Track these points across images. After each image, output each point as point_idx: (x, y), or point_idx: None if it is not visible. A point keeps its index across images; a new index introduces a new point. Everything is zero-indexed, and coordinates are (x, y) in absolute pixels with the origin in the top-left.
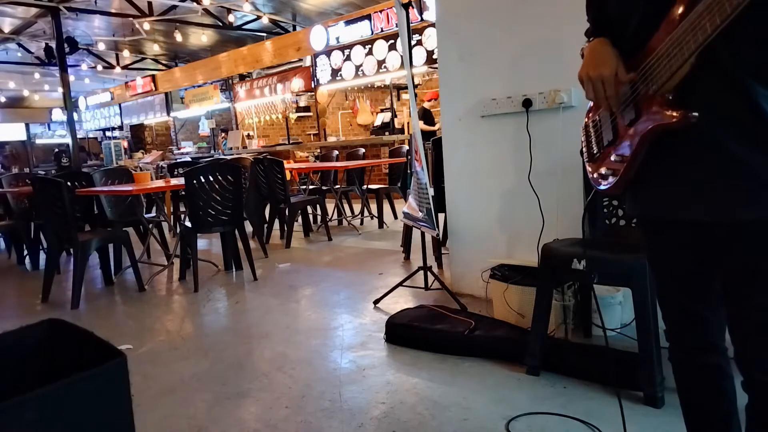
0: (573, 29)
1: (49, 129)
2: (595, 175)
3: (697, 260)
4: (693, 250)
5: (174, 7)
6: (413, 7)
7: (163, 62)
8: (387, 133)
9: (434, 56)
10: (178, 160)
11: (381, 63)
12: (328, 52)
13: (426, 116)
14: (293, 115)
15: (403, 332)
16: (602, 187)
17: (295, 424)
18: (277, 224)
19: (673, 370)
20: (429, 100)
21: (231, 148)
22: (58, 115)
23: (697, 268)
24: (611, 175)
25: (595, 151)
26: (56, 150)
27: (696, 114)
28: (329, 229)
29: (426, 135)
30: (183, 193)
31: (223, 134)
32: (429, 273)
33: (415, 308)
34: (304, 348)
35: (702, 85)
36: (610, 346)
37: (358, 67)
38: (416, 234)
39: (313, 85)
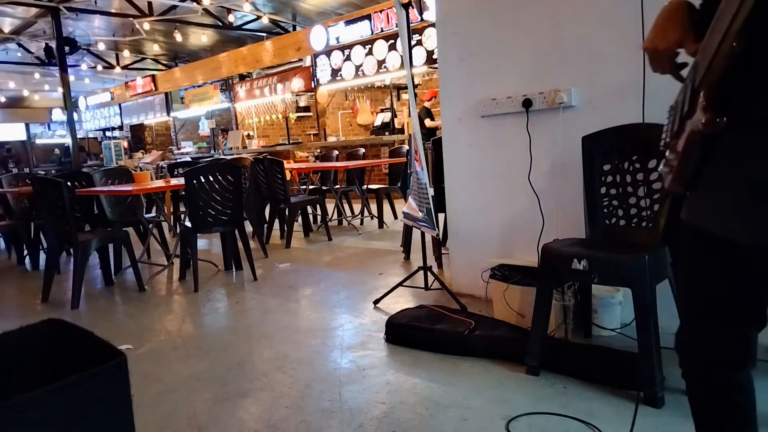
0: (573, 29)
1: (49, 129)
2: (661, 168)
3: (728, 277)
4: (721, 266)
5: (174, 7)
6: (413, 7)
7: (163, 62)
8: (387, 133)
9: (434, 56)
10: (178, 160)
11: (381, 63)
12: (328, 52)
13: (429, 115)
14: (293, 115)
15: (403, 332)
16: (666, 183)
17: (295, 424)
18: (277, 224)
19: (688, 383)
20: (428, 100)
21: (231, 148)
22: (58, 115)
23: (728, 285)
24: (668, 171)
25: (667, 140)
26: (4, 153)
27: (725, 119)
28: (329, 229)
29: (428, 133)
30: (183, 193)
31: (223, 134)
32: (429, 273)
33: (415, 308)
34: (304, 348)
35: (738, 87)
36: (609, 346)
37: (358, 67)
38: (416, 234)
39: (313, 85)
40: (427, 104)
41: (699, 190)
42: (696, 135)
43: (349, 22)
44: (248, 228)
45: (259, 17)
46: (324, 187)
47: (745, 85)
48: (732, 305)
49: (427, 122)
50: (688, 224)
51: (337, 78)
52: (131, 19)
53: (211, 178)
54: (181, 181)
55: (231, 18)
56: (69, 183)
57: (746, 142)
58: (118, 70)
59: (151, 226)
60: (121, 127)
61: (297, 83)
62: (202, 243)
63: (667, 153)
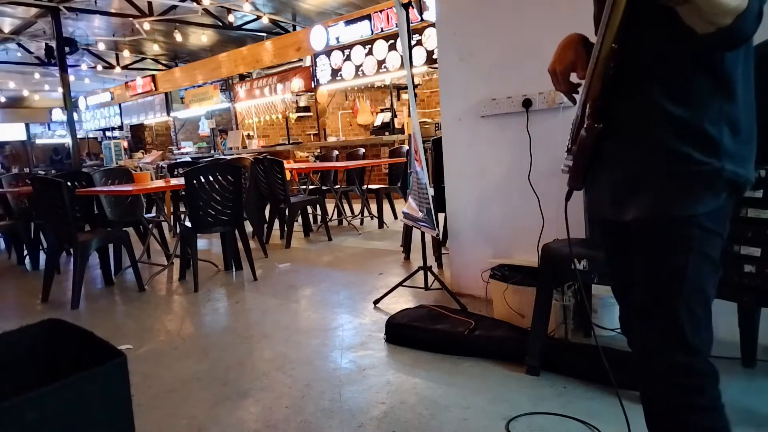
0: (573, 29)
1: (49, 129)
2: (563, 167)
3: (622, 252)
4: (617, 244)
5: (174, 7)
6: (413, 7)
7: (163, 62)
8: (387, 133)
9: (434, 56)
10: (178, 160)
11: (381, 63)
12: (328, 52)
13: None
14: (293, 115)
15: (403, 332)
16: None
17: (295, 424)
18: (277, 224)
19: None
20: None
21: (231, 148)
22: (58, 115)
23: (621, 263)
24: (567, 171)
25: (569, 145)
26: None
27: (600, 125)
28: (329, 229)
29: None
30: (183, 193)
31: (221, 134)
32: (429, 273)
33: (415, 308)
34: (304, 348)
35: (612, 102)
36: (610, 347)
37: (358, 67)
38: (416, 234)
39: (313, 85)
40: None
41: (594, 185)
42: (586, 140)
43: (349, 22)
44: (248, 228)
45: (259, 17)
46: (324, 187)
47: (615, 101)
48: (628, 276)
49: None
50: (590, 215)
51: (337, 78)
52: (131, 19)
53: (211, 178)
54: (181, 181)
55: (231, 18)
56: (69, 183)
57: (619, 149)
58: (118, 70)
59: (151, 226)
60: (121, 127)
61: (297, 83)
62: (202, 243)
63: (565, 156)
